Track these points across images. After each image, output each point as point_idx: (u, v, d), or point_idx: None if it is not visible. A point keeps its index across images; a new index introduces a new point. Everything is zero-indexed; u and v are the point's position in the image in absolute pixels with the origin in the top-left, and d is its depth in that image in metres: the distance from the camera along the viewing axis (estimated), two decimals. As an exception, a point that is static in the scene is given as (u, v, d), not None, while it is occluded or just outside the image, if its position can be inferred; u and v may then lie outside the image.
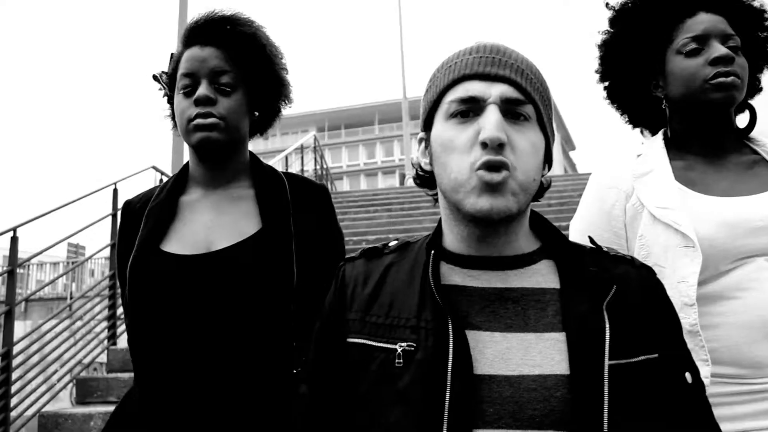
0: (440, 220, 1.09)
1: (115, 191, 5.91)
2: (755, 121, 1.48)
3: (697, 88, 1.39)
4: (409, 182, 17.32)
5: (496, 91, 0.97)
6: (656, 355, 0.94)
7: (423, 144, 1.09)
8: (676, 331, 1.02)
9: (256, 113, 1.55)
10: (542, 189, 1.05)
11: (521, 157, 0.95)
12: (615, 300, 0.95)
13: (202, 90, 1.41)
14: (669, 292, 1.28)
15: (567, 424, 0.87)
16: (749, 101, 1.52)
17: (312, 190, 1.55)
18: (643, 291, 1.00)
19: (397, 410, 0.93)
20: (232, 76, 1.45)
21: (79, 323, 5.51)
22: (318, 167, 13.49)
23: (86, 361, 5.37)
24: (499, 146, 0.92)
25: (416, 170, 1.11)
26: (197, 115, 1.40)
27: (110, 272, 5.77)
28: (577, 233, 1.50)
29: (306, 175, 12.46)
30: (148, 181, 6.81)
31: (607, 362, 0.89)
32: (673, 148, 1.48)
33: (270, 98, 1.56)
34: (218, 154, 1.47)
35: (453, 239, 1.04)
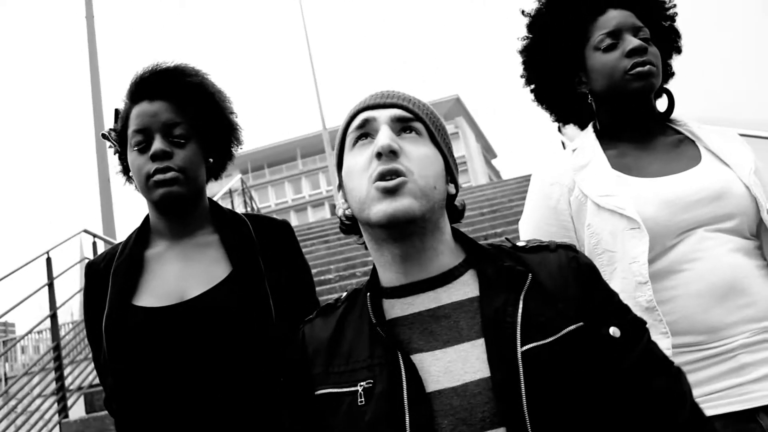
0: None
1: (49, 260, 5.71)
2: (673, 103, 1.60)
3: (618, 80, 1.49)
4: (341, 212, 17.33)
5: (386, 114, 1.10)
6: (581, 323, 0.99)
7: (341, 190, 1.16)
8: (600, 294, 1.06)
9: (211, 159, 1.57)
10: (457, 211, 1.16)
11: (416, 163, 1.04)
12: (533, 287, 1.02)
13: (158, 145, 1.41)
14: (622, 274, 1.37)
15: (511, 419, 0.92)
16: (665, 86, 1.63)
17: (275, 227, 1.58)
18: (561, 269, 1.06)
19: None
20: (185, 128, 1.45)
21: (26, 401, 5.29)
22: (248, 209, 13.39)
23: (38, 439, 5.18)
24: (392, 154, 1.02)
25: (341, 219, 1.19)
26: (156, 171, 1.40)
27: (53, 344, 5.58)
28: (527, 232, 1.57)
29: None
30: (85, 245, 6.60)
31: (519, 349, 0.94)
32: (604, 138, 1.57)
33: (222, 144, 1.59)
34: (181, 207, 1.48)
35: (384, 272, 1.11)
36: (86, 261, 5.17)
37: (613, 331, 1.02)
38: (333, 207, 22.86)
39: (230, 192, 12.34)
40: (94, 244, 6.79)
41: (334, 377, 1.05)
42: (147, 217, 1.58)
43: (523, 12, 1.69)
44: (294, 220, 49.05)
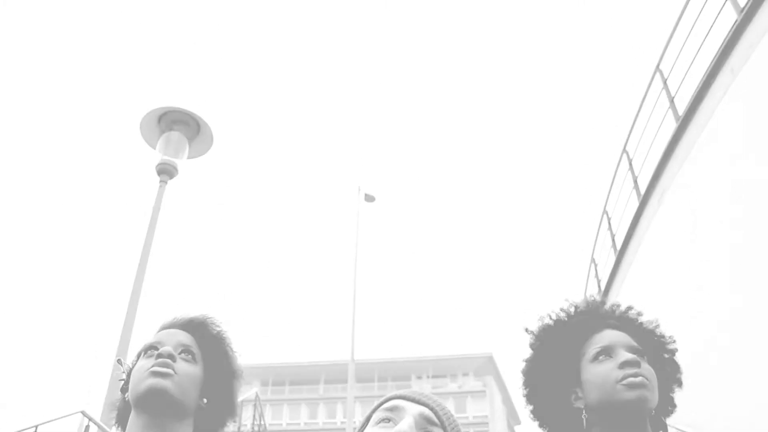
0: None
1: (36, 434, 5.54)
2: None
3: (609, 389, 1.46)
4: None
5: (416, 408, 1.11)
6: None
7: None
8: None
9: (205, 400, 1.56)
10: None
11: None
12: None
13: (166, 348, 1.47)
14: None
15: None
16: (665, 419, 1.59)
17: None
18: None
19: None
20: (195, 352, 1.54)
21: None
22: (255, 425, 12.95)
23: None
24: None
25: None
26: (155, 364, 1.44)
27: None
28: None
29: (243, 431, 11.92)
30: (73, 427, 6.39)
31: None
32: None
33: (221, 389, 1.60)
34: (162, 405, 1.45)
35: None
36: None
37: None
38: (343, 441, 22.02)
39: (242, 403, 12.06)
40: (87, 427, 6.56)
41: None
42: None
43: (526, 330, 1.72)
44: (301, 446, 47.03)
